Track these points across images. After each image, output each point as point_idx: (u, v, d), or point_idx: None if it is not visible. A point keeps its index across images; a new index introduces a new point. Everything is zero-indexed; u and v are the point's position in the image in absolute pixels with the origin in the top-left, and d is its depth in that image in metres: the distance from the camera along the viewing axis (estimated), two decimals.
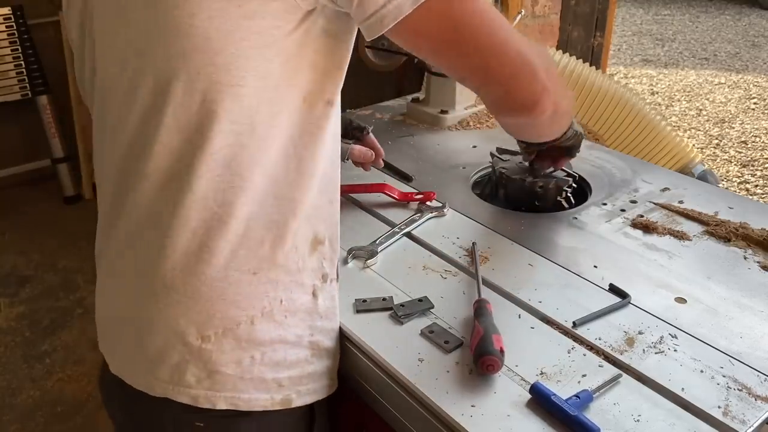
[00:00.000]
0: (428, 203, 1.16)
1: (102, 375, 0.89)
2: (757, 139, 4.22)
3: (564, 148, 1.11)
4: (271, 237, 0.75)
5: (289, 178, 0.75)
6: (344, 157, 1.16)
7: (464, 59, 0.76)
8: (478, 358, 0.76)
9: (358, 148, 1.15)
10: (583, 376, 0.77)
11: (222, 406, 0.77)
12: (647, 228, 1.08)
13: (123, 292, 0.81)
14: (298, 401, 0.81)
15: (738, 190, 3.55)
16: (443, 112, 1.52)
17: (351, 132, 1.17)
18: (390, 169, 1.30)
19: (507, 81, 0.78)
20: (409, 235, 1.08)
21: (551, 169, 1.20)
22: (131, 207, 0.77)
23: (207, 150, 0.70)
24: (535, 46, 0.80)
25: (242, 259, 0.75)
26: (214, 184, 0.72)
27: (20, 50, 3.07)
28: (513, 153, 1.26)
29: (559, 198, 1.19)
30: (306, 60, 0.71)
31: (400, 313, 0.87)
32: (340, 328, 0.86)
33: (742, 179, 3.72)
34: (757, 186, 3.64)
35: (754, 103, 4.83)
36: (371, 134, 1.18)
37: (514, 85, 0.78)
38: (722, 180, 3.67)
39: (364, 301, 0.90)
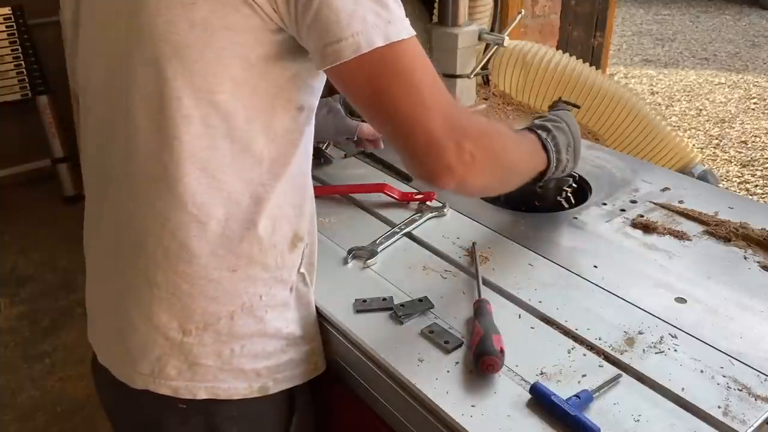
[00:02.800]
0: (428, 203, 1.15)
1: (93, 360, 0.91)
2: (757, 139, 4.21)
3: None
4: (249, 236, 0.77)
5: (263, 178, 0.76)
6: (353, 135, 1.16)
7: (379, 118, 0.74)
8: (478, 358, 0.76)
9: (366, 125, 1.16)
10: (583, 376, 0.77)
11: (202, 396, 0.79)
12: (647, 228, 1.08)
13: (107, 287, 0.83)
14: (275, 388, 0.84)
15: (738, 190, 3.55)
16: None
17: (353, 111, 1.19)
18: (390, 169, 1.30)
19: (404, 149, 0.74)
20: (409, 235, 1.08)
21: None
22: (113, 205, 0.79)
23: (184, 153, 0.72)
24: (468, 116, 0.76)
25: (221, 258, 0.76)
26: (191, 187, 0.73)
27: (20, 50, 3.06)
28: None
29: (559, 198, 1.18)
30: (284, 70, 0.72)
31: (400, 313, 0.87)
32: (340, 327, 0.87)
33: (742, 179, 3.72)
34: (757, 186, 3.64)
35: (754, 103, 4.83)
36: None
37: (413, 154, 0.73)
38: (722, 180, 3.67)
39: (364, 301, 0.90)
